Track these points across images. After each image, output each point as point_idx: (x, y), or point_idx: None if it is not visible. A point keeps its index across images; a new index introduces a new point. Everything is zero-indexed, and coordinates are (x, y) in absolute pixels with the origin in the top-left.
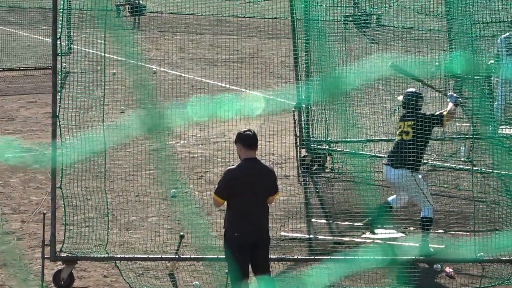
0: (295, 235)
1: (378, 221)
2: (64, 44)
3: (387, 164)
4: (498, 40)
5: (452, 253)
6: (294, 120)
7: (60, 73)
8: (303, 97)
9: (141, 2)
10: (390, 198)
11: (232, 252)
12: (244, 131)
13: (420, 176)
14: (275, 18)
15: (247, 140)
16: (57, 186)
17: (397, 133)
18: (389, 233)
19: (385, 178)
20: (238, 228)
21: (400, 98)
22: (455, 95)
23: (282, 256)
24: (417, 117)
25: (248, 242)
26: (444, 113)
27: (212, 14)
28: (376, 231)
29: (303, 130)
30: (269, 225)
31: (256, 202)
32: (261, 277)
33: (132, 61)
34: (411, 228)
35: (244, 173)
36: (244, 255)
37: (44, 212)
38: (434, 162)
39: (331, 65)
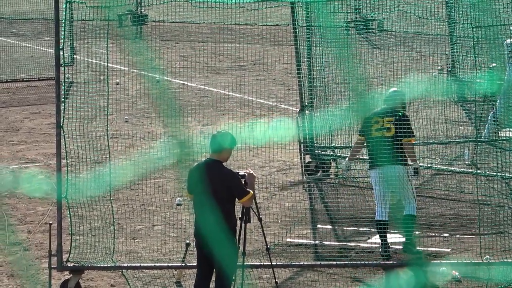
0: (300, 241)
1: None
2: (67, 54)
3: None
4: (504, 43)
5: (458, 257)
6: (298, 127)
7: (63, 84)
8: (306, 103)
9: (143, 12)
10: (376, 215)
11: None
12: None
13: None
14: (277, 25)
15: (211, 145)
16: (62, 196)
17: (375, 128)
18: (394, 237)
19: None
20: (196, 225)
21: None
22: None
23: (288, 263)
24: (399, 118)
25: (198, 242)
26: (411, 139)
27: (214, 22)
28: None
29: (307, 136)
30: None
31: (206, 201)
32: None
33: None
34: (416, 233)
35: (199, 172)
36: (199, 252)
37: (50, 222)
38: (438, 166)
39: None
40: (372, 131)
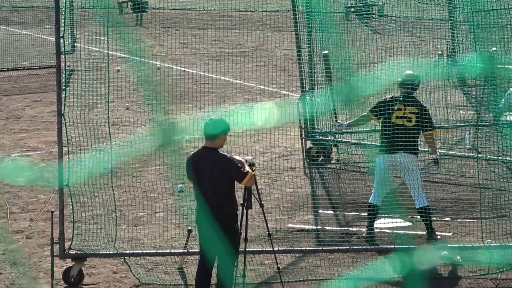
0: (302, 226)
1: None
2: (67, 42)
3: (391, 151)
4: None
5: (459, 240)
6: (299, 112)
7: (64, 72)
8: (307, 89)
9: None
10: (371, 198)
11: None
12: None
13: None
14: (277, 11)
15: (204, 132)
16: (64, 184)
17: (396, 115)
18: (396, 222)
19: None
20: (197, 212)
21: (399, 79)
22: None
23: (290, 248)
24: (421, 109)
25: (202, 226)
26: (434, 131)
27: (214, 9)
28: (384, 220)
29: (308, 122)
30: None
31: (206, 188)
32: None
33: (136, 58)
34: (418, 217)
35: (195, 160)
36: (201, 242)
37: (52, 210)
38: (440, 151)
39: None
40: (392, 118)
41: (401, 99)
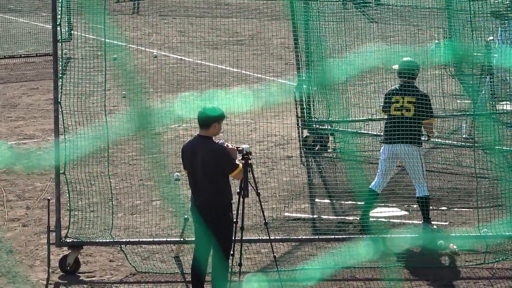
0: (299, 215)
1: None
2: (64, 30)
3: (392, 142)
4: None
5: (455, 230)
6: (296, 101)
7: (61, 60)
8: (304, 77)
9: None
10: (372, 184)
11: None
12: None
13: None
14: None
15: (198, 120)
16: (60, 172)
17: (394, 107)
18: (393, 211)
19: (389, 154)
20: (192, 201)
21: (396, 66)
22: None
23: (287, 237)
24: (419, 96)
25: (197, 214)
26: (431, 120)
27: None
28: (380, 209)
29: (305, 110)
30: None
31: (200, 177)
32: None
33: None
34: (415, 206)
35: (190, 148)
36: (196, 226)
37: (49, 198)
38: (436, 140)
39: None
40: (391, 109)
41: (397, 87)
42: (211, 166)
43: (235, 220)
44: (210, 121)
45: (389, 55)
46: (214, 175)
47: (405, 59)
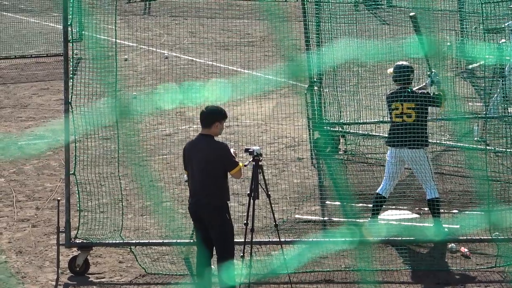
0: (309, 217)
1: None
2: (75, 30)
3: (396, 146)
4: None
5: (467, 233)
6: (307, 103)
7: (71, 60)
8: (315, 79)
9: None
10: (379, 189)
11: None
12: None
13: (429, 155)
14: (285, 1)
15: (200, 119)
16: (70, 172)
17: (395, 114)
18: (404, 214)
19: (394, 158)
20: (190, 200)
21: (390, 70)
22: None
23: (297, 239)
24: (418, 99)
25: (194, 215)
26: (436, 93)
27: None
28: (391, 212)
29: (316, 112)
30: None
31: (199, 176)
32: (218, 260)
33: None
34: (426, 209)
35: (191, 147)
36: (196, 228)
37: (59, 199)
38: (448, 142)
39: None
40: (392, 116)
41: (396, 91)
42: (212, 163)
43: (245, 222)
44: (212, 120)
45: (399, 56)
46: (215, 173)
47: (398, 63)
